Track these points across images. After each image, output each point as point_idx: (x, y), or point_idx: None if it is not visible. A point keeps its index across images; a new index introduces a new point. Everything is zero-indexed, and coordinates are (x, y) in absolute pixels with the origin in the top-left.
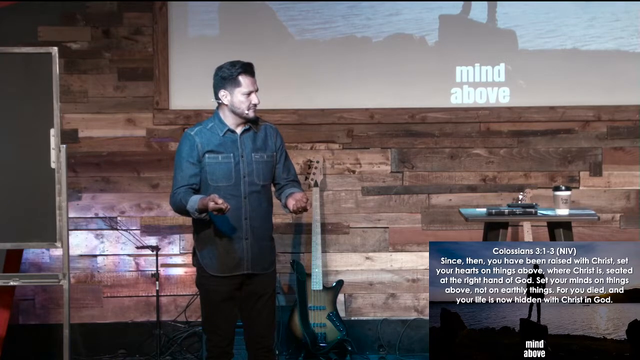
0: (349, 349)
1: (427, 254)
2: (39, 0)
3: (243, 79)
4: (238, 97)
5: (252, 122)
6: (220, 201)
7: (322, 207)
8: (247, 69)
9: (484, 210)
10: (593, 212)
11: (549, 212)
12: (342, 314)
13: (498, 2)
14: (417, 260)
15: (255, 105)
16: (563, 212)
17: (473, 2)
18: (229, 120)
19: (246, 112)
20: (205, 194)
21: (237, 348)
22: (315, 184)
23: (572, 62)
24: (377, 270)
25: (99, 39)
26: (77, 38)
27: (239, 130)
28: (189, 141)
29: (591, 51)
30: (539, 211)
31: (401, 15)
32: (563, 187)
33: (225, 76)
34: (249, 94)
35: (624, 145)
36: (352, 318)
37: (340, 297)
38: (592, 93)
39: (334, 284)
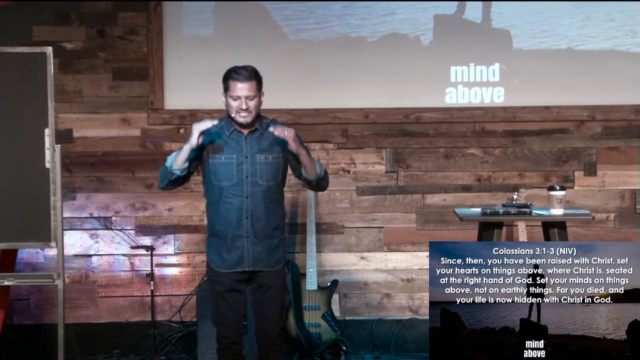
0: (344, 348)
1: (422, 254)
2: (33, 0)
3: (232, 84)
4: (228, 100)
5: (261, 124)
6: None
7: (316, 207)
8: (237, 74)
9: (478, 210)
10: (588, 211)
11: (544, 212)
12: (336, 313)
13: (493, 2)
14: (412, 260)
15: (243, 110)
16: (558, 211)
17: (468, 2)
18: (234, 121)
19: (233, 115)
20: (209, 192)
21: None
22: None
23: (567, 62)
24: (372, 270)
25: (94, 39)
26: (72, 38)
27: (245, 131)
28: None
29: (586, 51)
30: (533, 211)
31: (396, 15)
32: (558, 187)
33: (223, 79)
34: (236, 98)
35: (619, 145)
36: (347, 318)
37: (335, 297)
38: (587, 93)
39: (329, 283)
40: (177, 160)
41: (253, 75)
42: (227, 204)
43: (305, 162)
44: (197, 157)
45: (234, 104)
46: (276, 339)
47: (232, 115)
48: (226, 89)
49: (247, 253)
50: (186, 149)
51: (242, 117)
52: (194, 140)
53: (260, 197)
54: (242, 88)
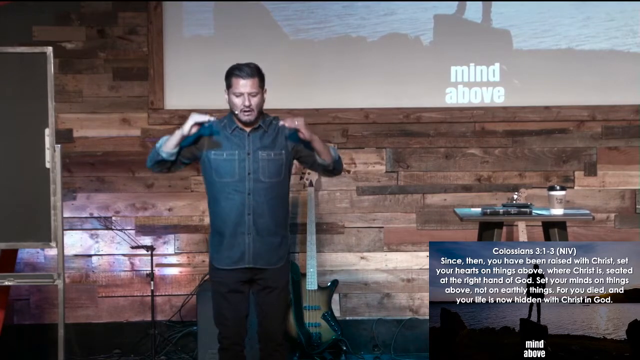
0: (344, 348)
1: (422, 254)
2: (33, 0)
3: (235, 80)
4: (231, 98)
5: (264, 122)
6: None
7: (317, 206)
8: (239, 71)
9: (478, 210)
10: (588, 211)
11: (544, 212)
12: (336, 313)
13: (493, 2)
14: (412, 260)
15: (246, 106)
16: (558, 211)
17: (468, 2)
18: (237, 119)
19: (237, 113)
20: (210, 189)
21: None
22: (310, 184)
23: (567, 62)
24: (372, 270)
25: (94, 39)
26: (72, 38)
27: (248, 128)
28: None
29: (586, 51)
30: (533, 211)
31: (396, 15)
32: (558, 187)
33: (225, 76)
34: (238, 95)
35: (619, 145)
36: (347, 318)
37: (335, 297)
38: (587, 93)
39: (329, 283)
40: (167, 144)
41: (255, 72)
42: (229, 201)
43: (319, 147)
44: (191, 149)
45: (236, 100)
46: (280, 339)
47: (236, 112)
48: (229, 86)
49: (248, 250)
50: (177, 135)
51: (246, 116)
52: (187, 128)
53: (262, 193)
54: (244, 85)
